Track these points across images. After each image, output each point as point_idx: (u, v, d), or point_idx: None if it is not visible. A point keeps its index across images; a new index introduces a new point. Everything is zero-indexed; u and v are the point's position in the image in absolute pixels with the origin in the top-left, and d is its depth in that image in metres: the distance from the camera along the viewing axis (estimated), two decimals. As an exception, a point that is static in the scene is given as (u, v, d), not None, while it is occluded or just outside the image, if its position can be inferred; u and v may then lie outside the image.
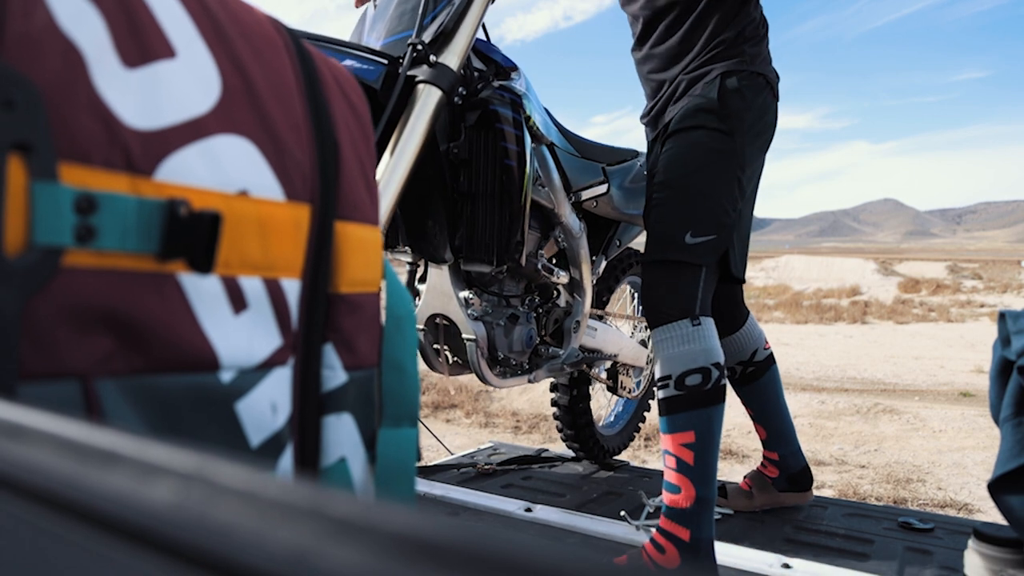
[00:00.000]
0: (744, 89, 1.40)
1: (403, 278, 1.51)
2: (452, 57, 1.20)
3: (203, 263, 0.42)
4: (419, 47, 1.15)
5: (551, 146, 1.55)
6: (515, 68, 1.44)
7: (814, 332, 9.97)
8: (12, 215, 0.35)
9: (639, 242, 1.86)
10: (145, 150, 0.40)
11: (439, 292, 1.42)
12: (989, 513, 2.99)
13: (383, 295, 0.63)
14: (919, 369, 7.09)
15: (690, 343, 1.31)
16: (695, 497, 1.28)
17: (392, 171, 1.12)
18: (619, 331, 1.98)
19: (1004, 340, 1.06)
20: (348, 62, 1.13)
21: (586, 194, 1.66)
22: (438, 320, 1.45)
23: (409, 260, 1.50)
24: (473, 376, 1.49)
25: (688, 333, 1.31)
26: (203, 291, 0.44)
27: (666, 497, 1.32)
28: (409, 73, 1.15)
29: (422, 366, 1.29)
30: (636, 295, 2.24)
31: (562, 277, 1.60)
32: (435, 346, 1.50)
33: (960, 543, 1.47)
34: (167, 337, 0.42)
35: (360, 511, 0.16)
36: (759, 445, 4.11)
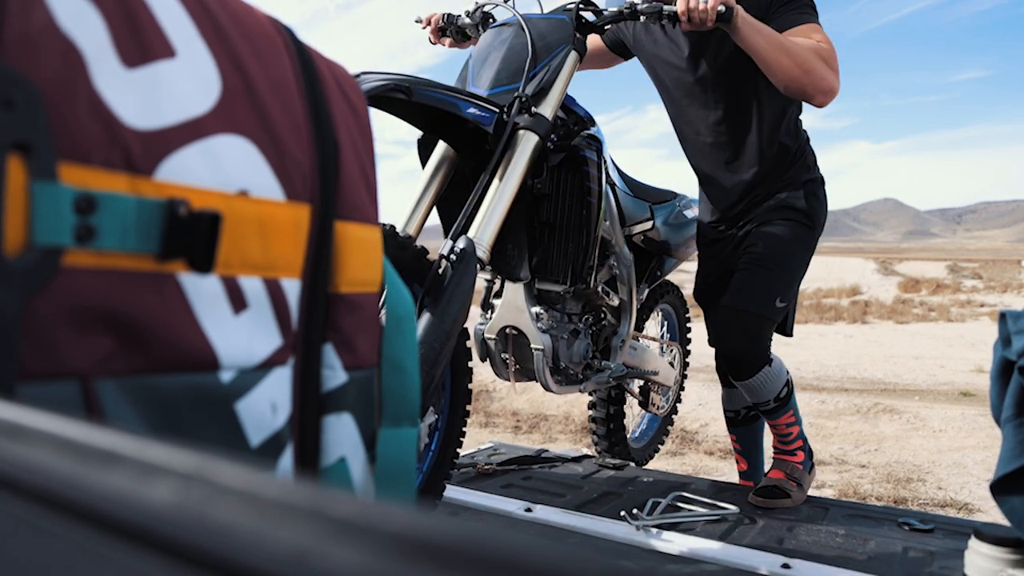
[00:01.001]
0: (820, 194, 1.82)
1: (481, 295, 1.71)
2: (547, 108, 1.42)
3: (203, 263, 0.42)
4: (523, 99, 1.37)
5: (613, 186, 1.78)
6: (591, 118, 1.65)
7: (814, 332, 9.96)
8: (12, 215, 0.35)
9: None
10: (145, 150, 0.40)
11: (513, 307, 1.59)
12: (990, 513, 2.99)
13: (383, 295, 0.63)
14: (919, 369, 7.08)
15: (775, 377, 1.79)
16: (800, 430, 1.96)
17: (496, 202, 1.34)
18: (655, 352, 2.16)
19: (1005, 340, 1.06)
20: (471, 110, 1.31)
21: (636, 228, 1.88)
22: (508, 331, 1.62)
23: (488, 278, 1.69)
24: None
25: (772, 372, 1.78)
26: (203, 291, 0.44)
27: (789, 438, 1.95)
28: (513, 120, 1.36)
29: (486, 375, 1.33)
30: (666, 322, 2.45)
31: (614, 300, 1.80)
32: (503, 355, 1.65)
33: (960, 543, 1.47)
34: (167, 337, 0.42)
35: (360, 511, 0.16)
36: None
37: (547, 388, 1.66)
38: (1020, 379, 1.02)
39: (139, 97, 0.40)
